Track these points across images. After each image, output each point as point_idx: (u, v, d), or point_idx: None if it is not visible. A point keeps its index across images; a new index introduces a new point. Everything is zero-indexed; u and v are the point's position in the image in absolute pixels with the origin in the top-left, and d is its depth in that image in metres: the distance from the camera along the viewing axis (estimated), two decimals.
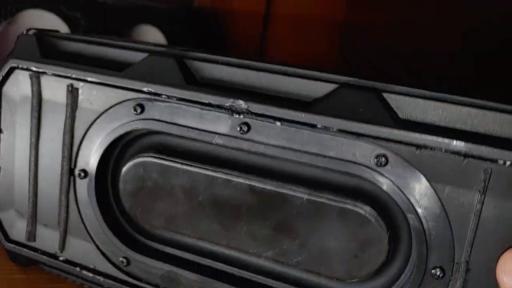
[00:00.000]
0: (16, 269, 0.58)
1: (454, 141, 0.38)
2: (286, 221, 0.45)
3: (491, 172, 0.37)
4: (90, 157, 0.51)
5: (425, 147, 0.39)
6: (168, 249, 0.51)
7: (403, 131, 0.40)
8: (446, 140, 0.38)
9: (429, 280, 0.40)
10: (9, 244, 0.56)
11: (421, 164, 0.39)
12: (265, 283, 0.48)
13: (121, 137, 0.50)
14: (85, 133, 0.51)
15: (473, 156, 0.38)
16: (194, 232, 0.49)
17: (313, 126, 0.43)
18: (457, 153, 0.38)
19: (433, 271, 0.40)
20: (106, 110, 0.50)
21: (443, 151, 0.39)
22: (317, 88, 0.44)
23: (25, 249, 0.55)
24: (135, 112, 0.49)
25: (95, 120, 0.51)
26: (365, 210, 0.42)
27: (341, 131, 0.42)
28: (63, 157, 0.52)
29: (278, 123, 0.44)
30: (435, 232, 0.39)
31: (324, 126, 0.42)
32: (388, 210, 0.42)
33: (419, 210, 0.40)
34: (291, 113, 0.43)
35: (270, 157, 0.46)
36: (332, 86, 0.43)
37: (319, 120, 0.42)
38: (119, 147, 0.52)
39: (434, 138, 0.39)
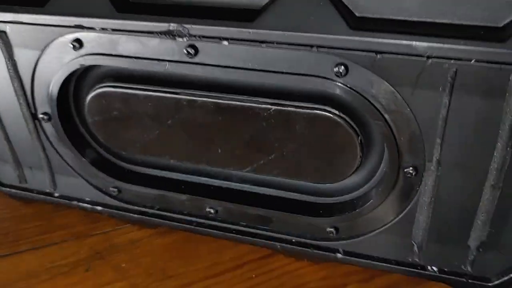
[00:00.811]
0: (22, 204, 0.60)
1: (414, 43, 0.34)
2: (258, 135, 0.43)
3: (456, 71, 0.34)
4: (47, 99, 0.48)
5: (384, 52, 0.35)
6: (155, 172, 0.52)
7: (360, 37, 0.35)
8: (406, 42, 0.34)
9: (404, 178, 0.40)
10: (5, 189, 0.57)
11: (383, 69, 0.36)
12: (251, 190, 0.49)
13: (71, 74, 0.47)
14: (33, 76, 0.48)
15: (436, 57, 0.34)
16: (173, 155, 0.48)
17: (262, 42, 0.38)
18: (420, 55, 0.34)
19: (406, 170, 0.39)
20: (43, 50, 0.45)
21: (404, 54, 0.35)
22: None
23: (20, 191, 0.57)
24: (73, 49, 0.44)
25: (37, 62, 0.46)
26: (334, 113, 0.40)
27: (292, 44, 0.37)
28: (19, 103, 0.49)
29: (225, 42, 0.39)
30: (404, 135, 0.38)
31: (274, 41, 0.38)
32: (357, 117, 0.40)
33: (386, 116, 0.37)
34: (236, 31, 0.38)
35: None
36: None
37: (267, 35, 0.38)
38: (74, 81, 0.49)
39: (393, 41, 0.35)
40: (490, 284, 0.42)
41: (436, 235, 0.41)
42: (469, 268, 0.41)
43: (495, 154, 0.36)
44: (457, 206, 0.39)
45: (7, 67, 0.47)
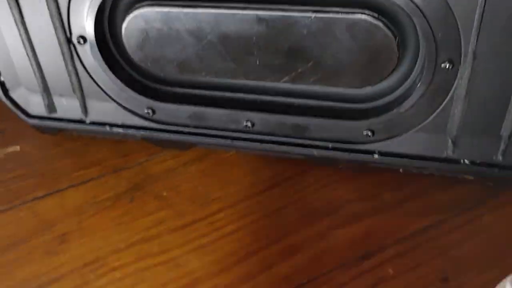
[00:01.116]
0: (51, 144, 0.60)
1: None
2: (297, 44, 0.45)
3: None
4: (83, 22, 0.49)
5: None
6: (189, 91, 0.53)
7: None
8: None
9: (440, 72, 0.43)
10: (32, 120, 0.57)
11: None
12: (287, 101, 0.51)
13: None
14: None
15: None
16: (210, 72, 0.49)
17: None
18: None
19: (443, 64, 0.42)
20: None
21: None
22: None
23: (49, 121, 0.57)
24: None
25: None
26: (373, 16, 0.42)
27: None
28: (55, 28, 0.50)
29: None
30: (442, 29, 0.40)
31: None
32: (394, 18, 0.43)
33: (425, 11, 0.40)
34: None
35: None
36: None
37: None
38: (109, 4, 0.49)
39: None
40: None
41: (470, 128, 0.44)
42: (500, 158, 0.45)
43: None
44: (491, 97, 0.42)
45: None
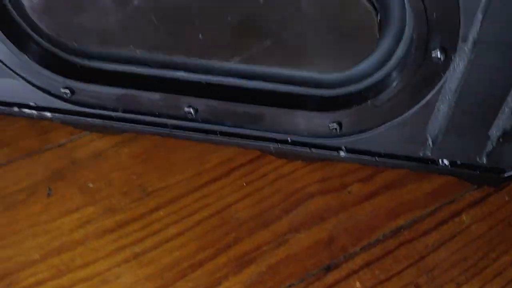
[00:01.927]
0: None
1: None
2: (251, 17, 0.34)
3: None
4: None
5: None
6: (118, 67, 0.41)
7: None
8: None
9: (429, 62, 0.33)
10: None
11: None
12: (238, 85, 0.40)
13: None
14: None
15: None
16: (141, 45, 0.38)
17: None
18: None
19: (433, 52, 0.32)
20: None
21: None
22: None
23: None
24: None
25: None
26: None
27: None
28: None
29: None
30: (438, 9, 0.31)
31: None
32: None
33: None
34: None
35: None
36: None
37: None
38: None
39: None
40: (503, 176, 0.39)
41: (455, 126, 0.36)
42: (484, 160, 0.38)
43: None
44: (486, 92, 0.34)
45: None
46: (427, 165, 0.39)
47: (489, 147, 0.37)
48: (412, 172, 0.43)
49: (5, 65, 0.40)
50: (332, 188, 0.43)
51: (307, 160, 0.43)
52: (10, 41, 0.39)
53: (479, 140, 0.37)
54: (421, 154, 0.39)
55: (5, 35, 0.38)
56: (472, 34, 0.32)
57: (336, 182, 0.43)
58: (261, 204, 0.42)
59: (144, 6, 0.35)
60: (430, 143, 0.38)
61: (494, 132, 0.36)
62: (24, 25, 0.40)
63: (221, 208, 0.42)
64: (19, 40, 0.39)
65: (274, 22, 0.34)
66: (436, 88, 0.35)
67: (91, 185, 0.43)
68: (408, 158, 0.40)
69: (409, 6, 0.32)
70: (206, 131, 0.42)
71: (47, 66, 0.40)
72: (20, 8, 0.38)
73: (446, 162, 0.39)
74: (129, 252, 0.40)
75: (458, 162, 0.39)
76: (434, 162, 0.39)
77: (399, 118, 0.37)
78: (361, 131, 0.39)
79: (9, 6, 0.38)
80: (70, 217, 0.42)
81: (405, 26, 0.34)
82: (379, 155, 0.40)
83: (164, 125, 0.42)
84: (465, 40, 0.32)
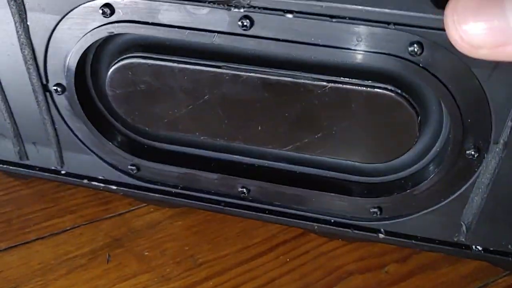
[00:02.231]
0: (19, 184, 0.53)
1: None
2: (306, 114, 0.39)
3: None
4: (62, 70, 0.41)
5: None
6: (180, 149, 0.46)
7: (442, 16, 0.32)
8: None
9: (464, 159, 0.37)
10: (1, 166, 0.50)
11: None
12: (288, 169, 0.45)
13: (94, 44, 0.40)
14: (47, 44, 0.40)
15: None
16: (205, 133, 0.43)
17: (333, 16, 0.34)
18: None
19: (468, 151, 0.37)
20: (65, 15, 0.39)
21: None
22: None
23: (20, 168, 0.49)
24: (103, 14, 0.38)
25: (54, 28, 0.39)
26: (396, 92, 0.36)
27: (367, 20, 0.34)
28: (29, 73, 0.42)
29: (290, 15, 0.35)
30: (472, 116, 0.35)
31: (347, 16, 0.34)
32: (419, 96, 0.37)
33: (457, 97, 0.35)
34: (305, 4, 0.34)
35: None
36: None
37: (340, 10, 0.34)
38: (94, 49, 0.42)
39: None
40: None
41: (487, 215, 0.39)
42: None
43: None
44: None
45: (18, 32, 0.40)
46: (461, 250, 0.42)
47: None
48: (447, 256, 0.45)
49: (82, 142, 0.46)
50: (370, 267, 0.46)
51: (347, 240, 0.46)
52: (91, 123, 0.44)
53: (511, 228, 0.40)
54: (455, 240, 0.42)
55: (87, 117, 0.44)
56: (503, 138, 0.36)
57: (374, 261, 0.46)
58: (303, 280, 0.45)
59: (213, 101, 0.40)
60: (464, 230, 0.41)
61: None
62: (104, 110, 0.45)
63: (265, 282, 0.45)
64: (99, 123, 0.45)
65: (326, 119, 0.39)
66: (470, 181, 0.38)
67: (146, 253, 0.47)
68: (443, 243, 0.42)
69: (446, 112, 0.36)
70: (256, 209, 0.46)
71: (119, 146, 0.45)
72: (102, 96, 0.44)
73: (479, 247, 0.42)
74: None
75: (491, 248, 0.42)
76: (468, 247, 0.42)
77: (436, 207, 0.41)
78: (400, 216, 0.42)
79: (93, 94, 0.44)
80: (128, 282, 0.45)
81: (442, 126, 0.39)
82: (416, 238, 0.43)
83: (218, 202, 0.46)
84: (496, 142, 0.36)
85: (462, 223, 0.41)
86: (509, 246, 0.41)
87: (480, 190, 0.39)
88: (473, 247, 0.42)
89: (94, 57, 0.42)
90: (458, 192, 0.39)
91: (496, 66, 0.33)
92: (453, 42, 0.26)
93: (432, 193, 0.40)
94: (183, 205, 0.47)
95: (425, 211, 0.41)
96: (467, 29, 0.24)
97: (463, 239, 0.42)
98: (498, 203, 0.39)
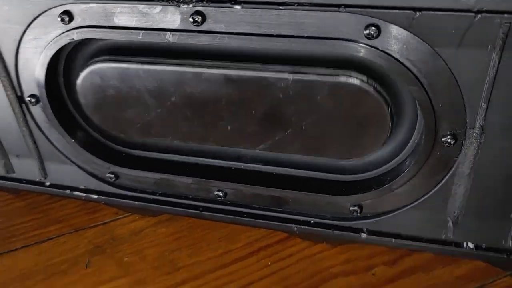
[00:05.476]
0: (13, 197, 0.52)
1: None
2: (273, 110, 0.37)
3: (510, 26, 0.28)
4: (34, 80, 0.41)
5: (425, 8, 0.29)
6: (156, 155, 0.45)
7: None
8: None
9: (440, 148, 0.34)
10: None
11: (422, 29, 0.30)
12: (264, 170, 0.42)
13: (60, 51, 0.39)
14: (16, 55, 0.40)
15: (487, 11, 0.28)
16: (176, 136, 0.41)
17: (281, 4, 0.31)
18: (467, 10, 0.28)
19: (443, 139, 0.33)
20: (28, 26, 0.38)
21: (448, 10, 0.29)
22: None
23: (8, 182, 0.49)
24: (62, 22, 0.37)
25: (21, 39, 0.39)
26: (361, 80, 0.33)
27: (316, 5, 0.31)
28: (4, 86, 0.41)
29: (238, 7, 0.32)
30: (443, 100, 0.32)
31: (296, 3, 0.31)
32: (387, 84, 0.34)
33: (424, 81, 0.31)
34: None
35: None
36: None
37: None
38: (63, 60, 0.41)
39: None
40: None
41: (474, 208, 0.36)
42: (510, 243, 0.36)
43: None
44: (500, 175, 0.34)
45: None
46: (451, 247, 0.38)
47: None
48: (440, 257, 0.41)
49: (61, 152, 0.44)
50: (355, 270, 0.42)
51: (332, 242, 0.43)
52: (67, 132, 0.43)
53: (501, 223, 0.36)
54: (443, 237, 0.38)
55: (62, 127, 0.43)
56: (479, 121, 0.32)
57: (361, 264, 0.42)
58: (283, 283, 0.42)
59: (179, 102, 0.38)
60: (451, 225, 0.37)
61: None
62: (80, 120, 0.44)
63: (243, 284, 0.42)
64: (74, 131, 0.44)
65: (294, 114, 0.36)
66: (451, 172, 0.35)
67: (126, 259, 0.45)
68: (431, 241, 0.39)
69: (417, 98, 0.33)
70: (234, 213, 0.43)
71: (95, 154, 0.44)
72: (77, 105, 0.43)
73: (471, 245, 0.38)
74: None
75: (484, 245, 0.38)
76: (458, 244, 0.38)
77: (418, 201, 0.37)
78: (381, 214, 0.39)
79: (69, 104, 0.43)
80: (104, 286, 0.43)
81: (416, 117, 0.35)
82: (401, 237, 0.39)
83: (196, 207, 0.44)
84: (472, 126, 0.32)
85: (448, 218, 0.37)
86: (503, 242, 0.37)
87: (462, 181, 0.35)
88: (464, 244, 0.38)
89: (65, 67, 0.41)
90: (440, 185, 0.36)
91: (460, 43, 0.29)
92: None
93: (412, 187, 0.36)
94: (163, 211, 0.46)
95: (408, 207, 0.37)
96: None
97: (452, 236, 0.37)
98: (483, 194, 0.35)
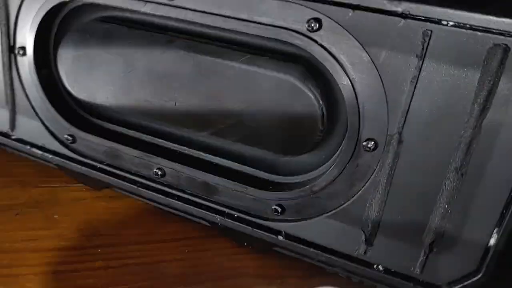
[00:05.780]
0: None
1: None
2: (219, 97, 0.39)
3: (431, 34, 0.30)
4: (27, 34, 0.45)
5: (360, 7, 0.32)
6: (110, 126, 0.47)
7: None
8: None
9: (361, 153, 0.35)
10: None
11: (355, 27, 0.32)
12: (202, 157, 0.43)
13: (55, 14, 0.44)
14: (20, 6, 0.45)
15: (412, 17, 0.31)
16: (129, 106, 0.43)
17: None
18: (394, 13, 0.31)
19: (364, 143, 0.34)
20: None
21: (379, 11, 0.31)
22: None
23: None
24: None
25: None
26: (298, 78, 0.36)
27: None
28: (1, 33, 0.46)
29: None
30: (368, 101, 0.33)
31: None
32: (323, 80, 0.36)
33: (352, 77, 0.33)
34: None
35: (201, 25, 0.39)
36: None
37: None
38: (57, 24, 0.46)
39: None
40: None
41: (388, 225, 0.35)
42: (418, 270, 0.35)
43: (462, 132, 0.31)
44: (415, 192, 0.33)
45: None
46: (360, 267, 0.37)
47: (422, 255, 0.34)
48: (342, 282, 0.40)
49: (33, 107, 0.47)
50: (265, 275, 0.42)
51: (253, 246, 0.42)
52: (42, 87, 0.46)
53: (413, 246, 0.35)
54: (355, 254, 0.37)
55: (39, 82, 0.46)
56: (398, 129, 0.33)
57: (274, 272, 0.42)
58: (192, 269, 0.41)
59: (141, 71, 0.41)
60: (364, 241, 0.36)
61: (427, 237, 0.34)
62: (58, 79, 0.47)
63: (152, 261, 0.42)
64: (50, 88, 0.47)
65: (236, 103, 0.38)
66: (368, 181, 0.35)
67: (56, 216, 0.47)
68: (343, 256, 0.37)
69: (346, 96, 0.34)
70: (167, 194, 0.43)
71: (61, 113, 0.47)
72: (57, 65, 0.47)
73: (380, 267, 0.36)
74: (50, 268, 0.41)
75: (392, 269, 0.36)
76: (369, 264, 0.37)
77: (337, 210, 0.37)
78: (301, 219, 0.38)
79: (53, 65, 0.47)
80: (25, 232, 0.44)
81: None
82: (315, 246, 0.38)
83: (134, 182, 0.45)
84: (392, 134, 0.33)
85: (362, 231, 0.36)
86: (412, 269, 0.35)
87: (379, 191, 0.34)
88: (375, 265, 0.36)
89: (58, 30, 0.46)
90: (358, 194, 0.35)
91: (388, 46, 0.32)
92: None
93: (333, 193, 0.37)
94: (105, 182, 0.46)
95: (327, 214, 0.37)
96: None
97: (363, 253, 0.36)
98: (398, 211, 0.35)
